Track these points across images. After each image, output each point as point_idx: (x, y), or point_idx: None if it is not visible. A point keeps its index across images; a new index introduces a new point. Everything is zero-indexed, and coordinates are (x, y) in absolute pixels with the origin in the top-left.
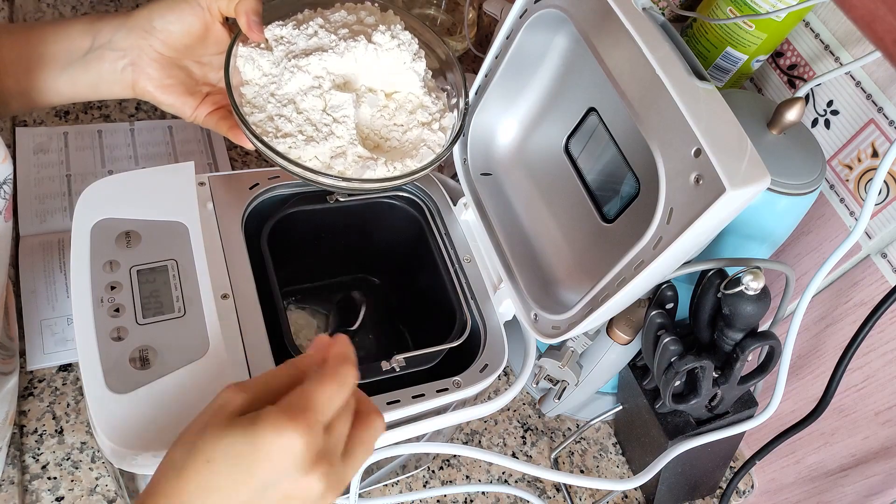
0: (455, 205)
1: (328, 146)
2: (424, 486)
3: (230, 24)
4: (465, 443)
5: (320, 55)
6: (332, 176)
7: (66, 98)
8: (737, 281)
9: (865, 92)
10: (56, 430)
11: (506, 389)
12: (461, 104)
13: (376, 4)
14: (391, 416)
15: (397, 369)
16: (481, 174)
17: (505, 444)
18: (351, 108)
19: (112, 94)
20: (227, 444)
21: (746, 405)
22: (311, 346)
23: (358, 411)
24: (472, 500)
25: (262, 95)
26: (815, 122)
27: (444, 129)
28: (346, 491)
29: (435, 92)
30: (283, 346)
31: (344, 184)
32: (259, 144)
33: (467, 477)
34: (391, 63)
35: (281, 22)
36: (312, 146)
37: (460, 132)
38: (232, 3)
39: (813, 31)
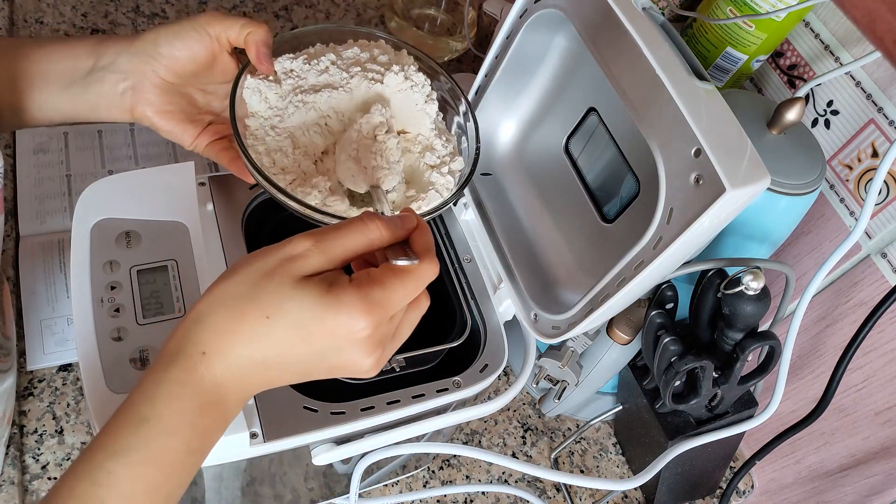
0: (455, 205)
1: (327, 185)
2: (424, 486)
3: (238, 53)
4: (465, 443)
5: (329, 92)
6: (331, 214)
7: (67, 116)
8: (737, 281)
9: (865, 92)
10: (56, 430)
11: (506, 389)
12: (472, 148)
13: (389, 43)
14: (391, 416)
15: (397, 369)
16: (481, 174)
17: (505, 444)
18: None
19: (111, 116)
20: (292, 307)
21: (746, 405)
22: (396, 215)
23: None
24: (472, 500)
25: (263, 128)
26: (815, 122)
27: (452, 172)
28: (347, 491)
29: (445, 135)
30: None
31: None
32: (261, 179)
33: (467, 477)
34: (403, 104)
35: (291, 55)
36: (312, 183)
37: (470, 177)
38: (242, 34)
39: (813, 31)
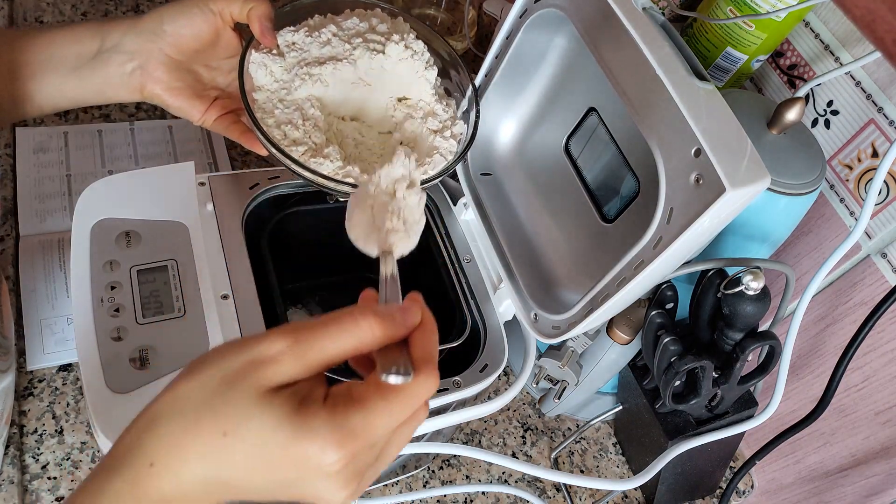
0: (455, 205)
1: (338, 153)
2: (424, 486)
3: (241, 29)
4: (465, 443)
5: (334, 64)
6: (347, 183)
7: (74, 102)
8: (737, 281)
9: (865, 92)
10: (56, 430)
11: (506, 389)
12: (472, 114)
13: (386, 11)
14: None
15: None
16: (481, 174)
17: (505, 444)
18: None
19: (119, 97)
20: (253, 427)
21: (746, 405)
22: (400, 308)
23: None
24: (472, 500)
25: (271, 101)
26: (815, 122)
27: (455, 136)
28: None
29: (445, 100)
30: None
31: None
32: (274, 151)
33: (467, 477)
34: (404, 72)
35: (292, 28)
36: (324, 153)
37: (472, 139)
38: (244, 9)
39: (813, 31)
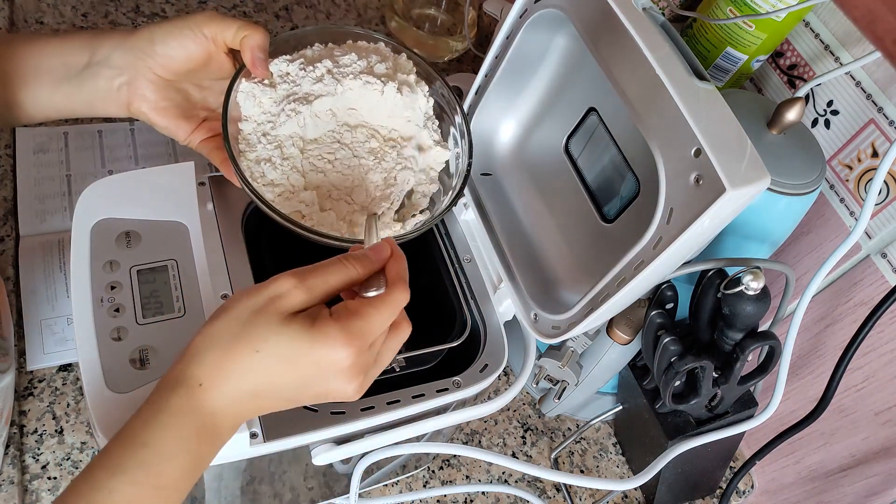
0: (455, 205)
1: (314, 199)
2: (424, 486)
3: (234, 53)
4: (465, 443)
5: (321, 101)
6: (320, 234)
7: (63, 112)
8: (737, 281)
9: (865, 92)
10: (56, 430)
11: (506, 389)
12: (463, 164)
13: (389, 46)
14: (391, 416)
15: (397, 369)
16: (481, 174)
17: (505, 444)
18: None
19: (107, 111)
20: (280, 341)
21: (746, 405)
22: (370, 248)
23: (392, 321)
24: (472, 500)
25: (255, 134)
26: (815, 122)
27: (433, 180)
28: (347, 491)
29: (441, 146)
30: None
31: (334, 243)
32: (247, 190)
33: (467, 477)
34: (396, 111)
35: (288, 57)
36: (300, 197)
37: (461, 191)
38: (238, 37)
39: (813, 31)
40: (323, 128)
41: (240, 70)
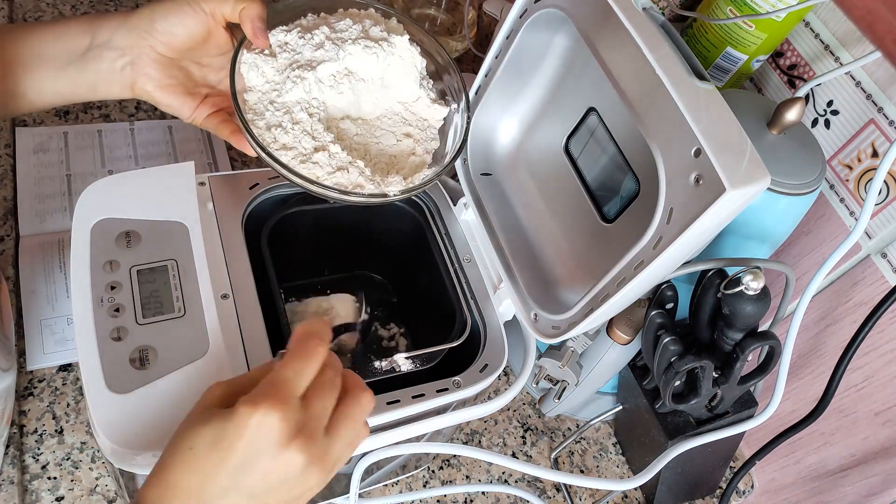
0: (455, 205)
1: (328, 159)
2: (424, 486)
3: (233, 27)
4: (465, 443)
5: (326, 66)
6: (335, 189)
7: (66, 98)
8: (737, 281)
9: (865, 92)
10: (56, 430)
11: (506, 389)
12: (464, 118)
13: (379, 12)
14: (391, 416)
15: (397, 369)
16: (481, 174)
17: (505, 444)
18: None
19: (111, 94)
20: (205, 429)
21: (746, 405)
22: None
23: (344, 388)
24: (472, 500)
25: (262, 102)
26: (815, 122)
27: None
28: (347, 490)
29: (437, 103)
30: (282, 346)
31: (351, 198)
32: (263, 154)
33: (467, 477)
34: (394, 73)
35: (285, 27)
36: (314, 158)
37: (464, 144)
38: (236, 9)
39: (813, 31)
40: (329, 93)
41: (241, 42)
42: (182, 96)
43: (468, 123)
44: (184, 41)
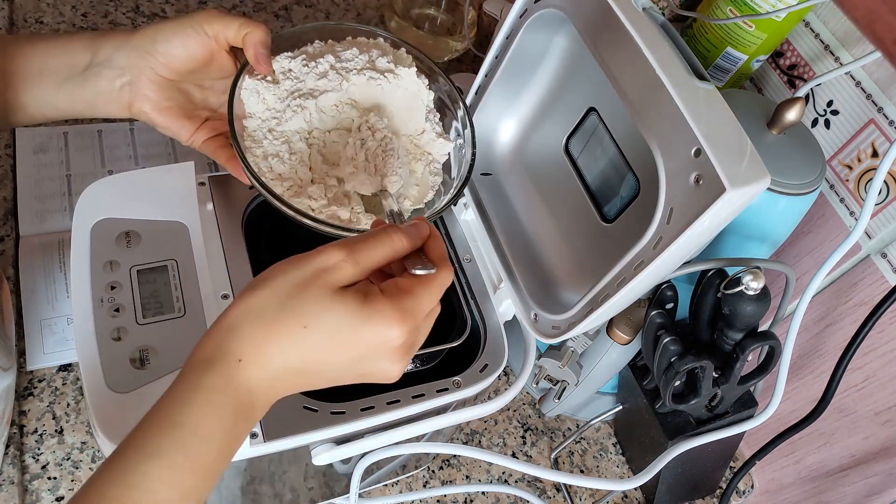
0: (455, 205)
1: (323, 192)
2: (424, 486)
3: (236, 51)
4: (465, 443)
5: (327, 96)
6: (329, 224)
7: (65, 113)
8: (737, 281)
9: (865, 92)
10: (56, 430)
11: (506, 389)
12: (468, 154)
13: (388, 41)
14: (391, 416)
15: None
16: (481, 174)
17: (505, 444)
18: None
19: (109, 112)
20: (330, 317)
21: (746, 405)
22: (411, 224)
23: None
24: (472, 500)
25: (261, 130)
26: (815, 122)
27: (436, 172)
28: (346, 491)
29: (443, 137)
30: None
31: (345, 233)
32: (257, 184)
33: (467, 477)
34: (402, 112)
35: (290, 54)
36: (309, 191)
37: (466, 182)
38: (240, 34)
39: (813, 31)
40: (331, 124)
41: (243, 67)
42: (180, 119)
43: (473, 158)
44: (185, 63)
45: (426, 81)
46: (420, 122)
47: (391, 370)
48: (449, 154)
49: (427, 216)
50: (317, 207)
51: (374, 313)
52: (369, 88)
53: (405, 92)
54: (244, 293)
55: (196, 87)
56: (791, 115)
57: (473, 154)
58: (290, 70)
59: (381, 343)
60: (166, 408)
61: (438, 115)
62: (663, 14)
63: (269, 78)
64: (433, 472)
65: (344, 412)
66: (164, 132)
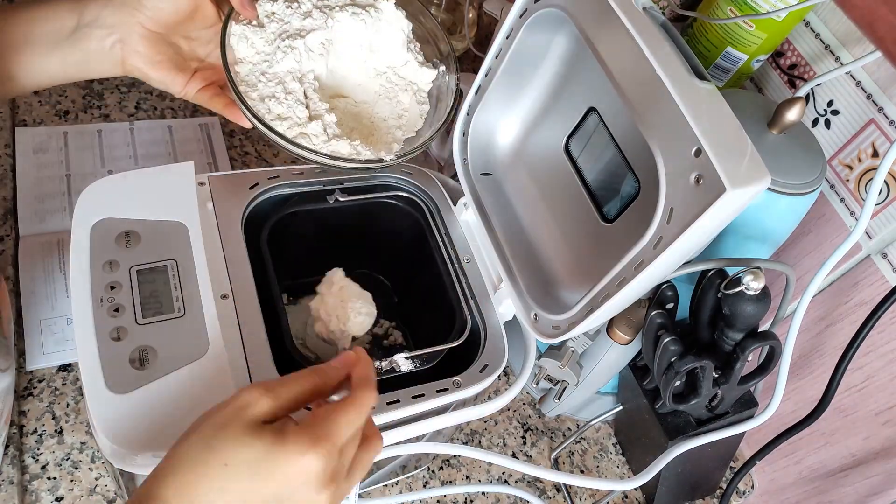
0: (455, 205)
1: (322, 128)
2: (424, 486)
3: (219, 1)
4: (465, 443)
5: (315, 35)
6: (332, 157)
7: (57, 79)
8: (737, 281)
9: (866, 92)
10: (56, 430)
11: (506, 389)
12: (452, 81)
13: None
14: (391, 416)
15: (397, 369)
16: (481, 174)
17: (505, 445)
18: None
19: (102, 72)
20: (248, 453)
21: (746, 405)
22: (336, 358)
23: (364, 434)
24: (472, 500)
25: (254, 74)
26: (815, 122)
27: (421, 101)
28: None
29: (425, 66)
30: (282, 346)
31: (352, 165)
32: (259, 125)
33: (467, 477)
34: (384, 38)
35: None
36: (308, 128)
37: (454, 105)
38: None
39: (813, 31)
40: (319, 62)
41: (228, 15)
42: (172, 71)
43: (458, 84)
44: (171, 16)
45: (404, 12)
46: (402, 52)
47: (315, 501)
48: (438, 88)
49: (415, 147)
50: (318, 143)
51: (287, 442)
52: (353, 24)
53: (387, 25)
54: (176, 442)
55: (183, 38)
56: (791, 114)
57: (458, 80)
58: (274, 13)
59: (297, 473)
60: None
61: (418, 45)
62: (664, 14)
63: (254, 22)
64: (433, 472)
65: None
66: (157, 86)
